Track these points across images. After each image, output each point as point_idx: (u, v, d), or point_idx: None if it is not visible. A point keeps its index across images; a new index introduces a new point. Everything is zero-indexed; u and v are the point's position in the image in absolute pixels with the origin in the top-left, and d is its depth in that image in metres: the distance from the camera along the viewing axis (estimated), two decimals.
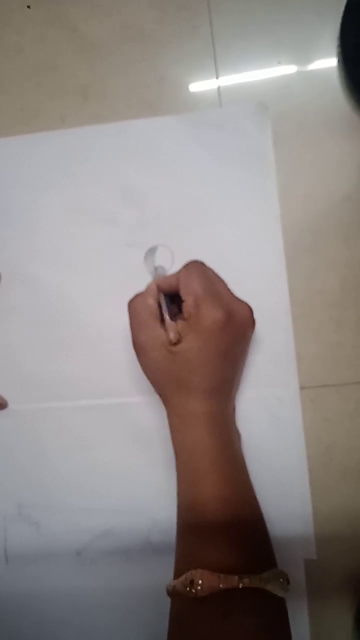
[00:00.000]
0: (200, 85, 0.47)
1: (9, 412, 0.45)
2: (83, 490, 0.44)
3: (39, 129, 0.47)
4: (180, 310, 0.39)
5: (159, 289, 0.40)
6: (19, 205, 0.47)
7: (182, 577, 0.33)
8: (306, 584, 0.41)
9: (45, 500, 0.44)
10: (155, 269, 0.44)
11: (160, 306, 0.40)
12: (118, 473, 0.44)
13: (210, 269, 0.40)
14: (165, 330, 0.38)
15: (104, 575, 0.43)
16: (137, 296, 0.40)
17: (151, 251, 0.45)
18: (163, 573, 0.36)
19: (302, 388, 0.43)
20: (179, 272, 0.40)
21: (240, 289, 0.40)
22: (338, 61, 0.45)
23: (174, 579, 0.34)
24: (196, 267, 0.39)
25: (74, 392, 0.45)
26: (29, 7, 0.49)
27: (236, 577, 0.32)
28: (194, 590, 0.32)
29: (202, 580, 0.32)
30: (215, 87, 0.46)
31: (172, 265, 0.44)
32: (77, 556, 0.43)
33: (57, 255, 0.46)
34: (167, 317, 0.39)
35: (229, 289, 0.40)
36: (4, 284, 0.46)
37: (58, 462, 0.44)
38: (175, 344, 0.37)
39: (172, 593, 0.34)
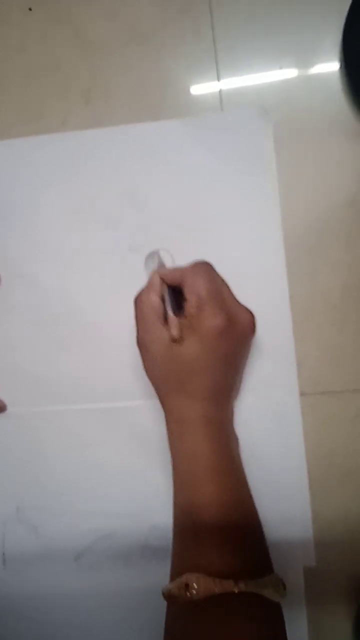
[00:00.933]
0: (201, 88, 0.47)
1: (8, 415, 0.45)
2: (82, 493, 0.44)
3: (40, 131, 0.47)
4: (181, 307, 0.39)
5: (163, 281, 0.40)
6: (21, 207, 0.47)
7: (177, 581, 0.33)
8: (305, 591, 0.41)
9: (44, 504, 0.44)
10: (158, 266, 0.44)
11: (163, 300, 0.39)
12: (118, 477, 0.44)
13: (216, 272, 0.40)
14: (168, 326, 0.38)
15: (102, 579, 0.43)
16: (142, 292, 0.40)
17: (152, 255, 0.44)
18: (162, 577, 0.35)
19: (302, 394, 0.43)
20: (186, 268, 0.39)
21: (241, 293, 0.40)
22: (340, 66, 0.45)
23: (170, 582, 0.34)
24: (204, 268, 0.39)
25: (74, 395, 0.45)
26: (30, 9, 0.49)
27: (232, 582, 0.32)
28: (189, 594, 0.32)
29: (198, 584, 0.32)
30: (217, 90, 0.46)
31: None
32: (75, 560, 0.43)
33: (59, 257, 0.46)
34: (170, 312, 0.38)
35: (233, 295, 0.40)
36: (5, 286, 0.46)
37: (57, 465, 0.44)
38: (176, 340, 0.37)
39: (168, 596, 0.34)
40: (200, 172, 0.45)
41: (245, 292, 0.40)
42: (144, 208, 0.46)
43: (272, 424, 0.42)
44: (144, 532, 0.43)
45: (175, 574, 0.35)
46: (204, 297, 0.37)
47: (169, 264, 0.44)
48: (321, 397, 0.43)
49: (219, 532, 0.34)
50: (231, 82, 0.46)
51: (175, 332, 0.37)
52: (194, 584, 0.32)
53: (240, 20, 0.46)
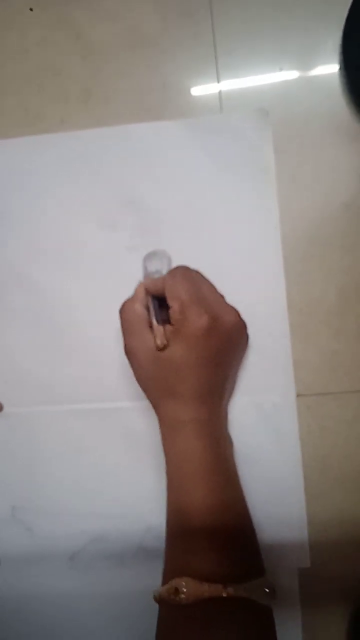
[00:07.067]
0: (201, 90, 0.46)
1: (4, 415, 0.45)
2: (77, 494, 0.44)
3: (40, 132, 0.47)
4: (169, 315, 0.39)
5: (148, 292, 0.40)
6: (19, 207, 0.47)
7: (167, 585, 0.33)
8: (300, 593, 0.41)
9: (39, 504, 0.44)
10: (151, 273, 0.44)
11: (149, 310, 0.40)
12: (113, 478, 0.44)
13: (196, 272, 0.40)
14: (154, 335, 0.38)
15: (97, 580, 0.43)
16: (126, 302, 0.41)
17: (149, 256, 0.44)
18: (156, 579, 0.36)
19: (298, 395, 0.43)
20: (165, 276, 0.40)
21: (239, 295, 0.40)
22: (340, 68, 0.45)
23: (162, 585, 0.34)
24: (181, 272, 0.39)
25: (70, 396, 0.45)
26: (31, 9, 0.48)
27: (221, 586, 0.32)
28: (178, 598, 0.32)
29: (187, 588, 0.32)
30: (217, 91, 0.46)
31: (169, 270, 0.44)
32: (70, 561, 0.43)
33: (57, 258, 0.46)
34: (154, 321, 0.39)
35: (217, 292, 0.40)
36: (2, 287, 0.46)
37: (53, 465, 0.44)
38: (162, 349, 0.37)
39: (159, 600, 0.34)
40: (198, 174, 0.45)
41: (242, 294, 0.40)
42: (142, 209, 0.45)
43: (268, 425, 0.42)
44: (138, 534, 0.43)
45: (166, 577, 0.35)
46: (186, 300, 0.37)
47: (166, 265, 0.44)
48: (317, 399, 0.43)
49: (209, 535, 0.34)
50: (231, 84, 0.46)
51: (159, 341, 0.37)
52: (183, 588, 0.32)
53: (240, 22, 0.46)
